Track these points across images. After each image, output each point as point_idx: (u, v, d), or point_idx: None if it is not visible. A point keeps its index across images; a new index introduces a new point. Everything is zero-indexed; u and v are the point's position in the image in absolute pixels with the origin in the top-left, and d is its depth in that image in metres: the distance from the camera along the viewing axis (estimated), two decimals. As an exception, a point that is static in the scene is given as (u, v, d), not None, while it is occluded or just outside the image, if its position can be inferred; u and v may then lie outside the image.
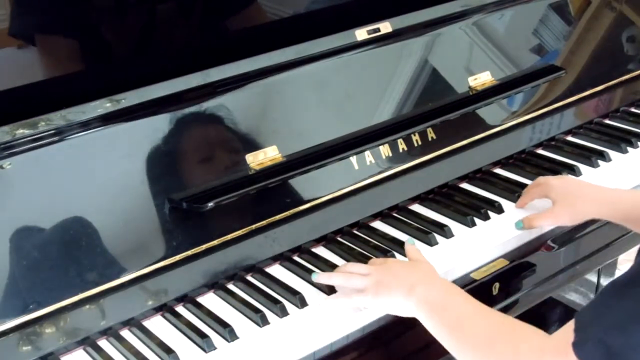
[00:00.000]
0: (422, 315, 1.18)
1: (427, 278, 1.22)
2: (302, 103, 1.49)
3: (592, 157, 1.68)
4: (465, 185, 1.61)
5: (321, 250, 1.41)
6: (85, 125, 1.26)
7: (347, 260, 1.37)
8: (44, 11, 1.30)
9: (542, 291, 1.48)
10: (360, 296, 1.23)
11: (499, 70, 1.74)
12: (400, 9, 1.62)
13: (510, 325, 1.11)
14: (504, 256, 1.42)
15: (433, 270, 1.26)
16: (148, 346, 1.20)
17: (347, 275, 1.27)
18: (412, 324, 1.21)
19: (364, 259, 1.35)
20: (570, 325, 1.01)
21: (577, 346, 0.97)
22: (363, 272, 1.26)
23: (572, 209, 1.42)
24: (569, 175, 1.53)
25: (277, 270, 1.36)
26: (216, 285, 1.32)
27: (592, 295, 2.29)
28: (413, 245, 1.35)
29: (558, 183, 1.46)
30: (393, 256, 1.36)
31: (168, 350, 1.17)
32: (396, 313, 1.22)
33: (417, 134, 1.57)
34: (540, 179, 1.51)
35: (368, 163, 1.50)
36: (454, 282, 1.35)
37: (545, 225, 1.46)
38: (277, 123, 1.45)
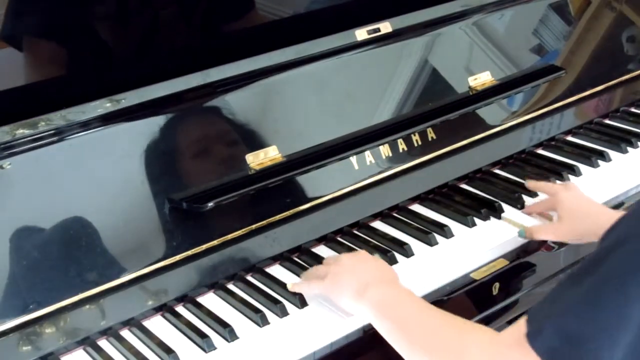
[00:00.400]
0: (371, 314, 1.18)
1: (382, 278, 1.22)
2: (302, 103, 1.49)
3: (592, 157, 1.68)
4: (465, 186, 1.61)
5: (321, 250, 1.41)
6: (85, 125, 1.26)
7: (347, 260, 1.37)
8: (45, 12, 1.30)
9: (542, 291, 1.47)
10: (317, 283, 1.25)
11: (499, 70, 1.73)
12: (400, 9, 1.62)
13: (460, 323, 1.10)
14: (504, 256, 1.42)
15: (393, 275, 1.26)
16: (148, 346, 1.20)
17: (319, 266, 1.29)
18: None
19: (364, 259, 1.35)
20: (521, 320, 1.00)
21: (531, 336, 0.96)
22: (330, 262, 1.28)
23: (574, 229, 1.41)
24: (578, 188, 1.50)
25: (277, 270, 1.36)
26: (216, 285, 1.32)
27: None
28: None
29: (567, 199, 1.44)
30: (393, 256, 1.36)
31: (168, 350, 1.17)
32: (347, 310, 1.22)
33: (417, 134, 1.57)
34: (551, 188, 1.50)
35: (368, 163, 1.50)
36: (454, 282, 1.36)
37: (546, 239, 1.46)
38: (277, 123, 1.45)
